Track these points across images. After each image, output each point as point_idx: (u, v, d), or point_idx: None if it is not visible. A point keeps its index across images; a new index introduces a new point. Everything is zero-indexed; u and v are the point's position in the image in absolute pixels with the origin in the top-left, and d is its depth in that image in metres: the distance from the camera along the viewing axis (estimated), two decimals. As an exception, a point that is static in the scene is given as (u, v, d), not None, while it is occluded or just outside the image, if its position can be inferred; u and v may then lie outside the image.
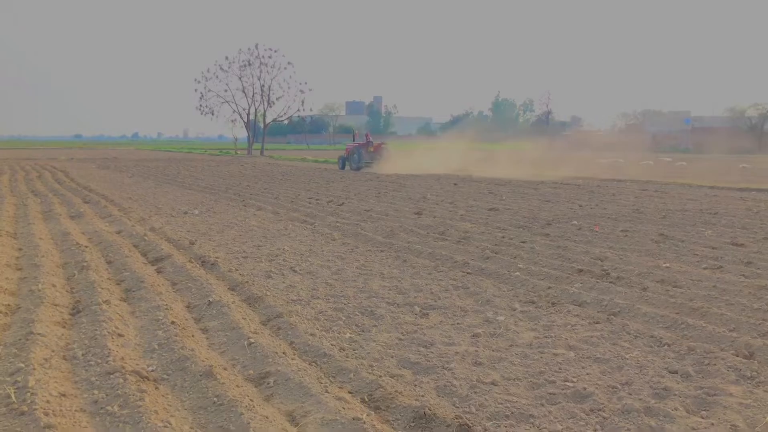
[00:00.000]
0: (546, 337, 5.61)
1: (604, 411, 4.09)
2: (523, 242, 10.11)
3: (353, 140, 35.60)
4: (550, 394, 4.37)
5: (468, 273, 8.04)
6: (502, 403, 4.18)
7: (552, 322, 6.04)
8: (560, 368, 4.86)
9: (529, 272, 7.94)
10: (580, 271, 7.96)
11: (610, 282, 7.42)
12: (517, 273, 7.86)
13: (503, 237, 10.65)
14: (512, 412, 4.06)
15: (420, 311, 6.39)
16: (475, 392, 4.38)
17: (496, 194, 18.88)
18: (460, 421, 3.78)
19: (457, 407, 4.14)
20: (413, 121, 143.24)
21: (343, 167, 34.41)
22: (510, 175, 26.92)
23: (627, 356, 5.09)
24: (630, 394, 4.35)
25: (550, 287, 7.19)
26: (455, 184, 22.91)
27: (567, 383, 4.54)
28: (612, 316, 6.13)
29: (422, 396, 4.30)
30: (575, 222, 12.60)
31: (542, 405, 4.20)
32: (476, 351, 5.22)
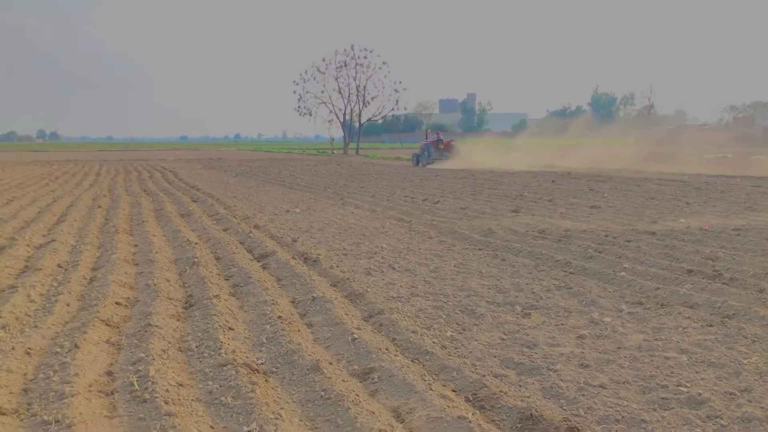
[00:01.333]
0: (656, 339, 5.39)
1: (721, 419, 3.89)
2: (628, 241, 9.75)
3: (426, 138, 38.37)
4: (663, 398, 4.20)
5: (570, 272, 7.85)
6: (611, 407, 4.06)
7: (662, 324, 5.79)
8: (672, 372, 4.66)
9: (636, 272, 7.66)
10: (690, 271, 7.59)
11: (723, 283, 7.04)
12: (623, 273, 7.60)
13: (606, 236, 10.32)
14: (623, 417, 3.93)
15: (521, 311, 6.29)
16: (583, 395, 4.27)
17: (597, 191, 18.30)
18: (569, 423, 3.69)
19: (565, 410, 4.06)
20: (508, 118, 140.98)
21: (417, 164, 36.66)
22: (609, 167, 26.18)
23: (745, 361, 4.81)
24: (750, 402, 4.12)
25: (658, 288, 6.90)
26: (553, 181, 22.40)
27: (680, 388, 4.34)
28: (726, 319, 5.80)
29: (528, 397, 4.24)
30: (683, 220, 12.04)
31: (654, 410, 4.04)
32: (582, 353, 5.09)
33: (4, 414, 3.81)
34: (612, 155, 32.25)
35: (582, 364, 4.84)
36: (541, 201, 15.97)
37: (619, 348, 5.20)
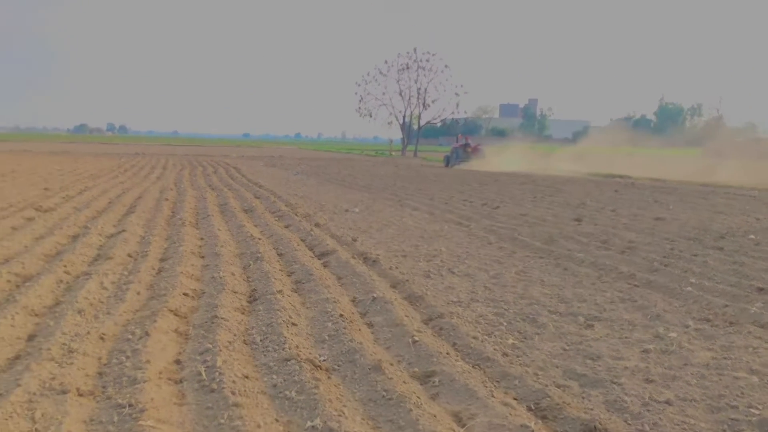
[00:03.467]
0: (724, 358, 5.23)
1: (796, 444, 3.75)
2: (695, 255, 9.48)
3: (456, 142, 44.32)
4: (732, 419, 4.08)
5: (635, 285, 7.68)
6: (678, 424, 3.97)
7: (731, 342, 5.61)
8: (742, 393, 4.52)
9: (703, 288, 7.43)
10: (761, 289, 7.32)
11: (799, 304, 6.77)
12: (689, 288, 7.39)
13: (672, 249, 10.05)
14: (691, 436, 3.84)
15: (584, 322, 6.20)
16: (648, 410, 4.18)
17: (662, 203, 17.83)
18: (634, 439, 3.63)
19: (629, 424, 3.98)
20: (570, 124, 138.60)
21: (447, 165, 41.31)
22: (670, 177, 25.53)
23: (821, 387, 4.63)
24: (827, 430, 3.96)
25: (726, 305, 6.68)
26: (616, 191, 21.94)
27: (751, 410, 4.20)
28: (802, 342, 5.59)
29: (591, 409, 4.17)
30: (752, 236, 11.60)
31: (724, 430, 3.93)
32: (647, 367, 4.98)
33: (82, 395, 3.99)
34: (664, 165, 33.05)
35: (647, 379, 4.74)
36: (604, 210, 15.66)
37: (685, 364, 5.07)
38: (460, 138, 44.33)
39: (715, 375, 4.86)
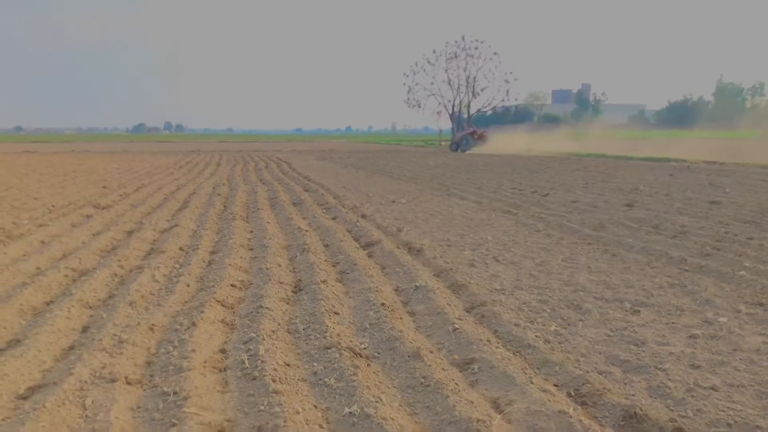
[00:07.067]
0: (777, 343, 5.07)
1: None
2: (750, 239, 9.17)
3: (463, 130, 51.81)
4: (782, 406, 3.96)
5: (685, 270, 7.49)
6: (723, 410, 3.87)
7: (785, 327, 5.43)
8: (794, 379, 4.38)
9: (757, 272, 7.20)
10: (822, 273, 7.05)
11: None
12: (743, 272, 7.16)
13: (726, 233, 9.74)
14: (735, 421, 3.74)
15: (630, 308, 6.09)
16: (692, 396, 4.10)
17: (719, 186, 17.27)
18: (675, 424, 3.57)
19: (672, 410, 3.91)
20: (625, 109, 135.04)
21: (455, 150, 47.65)
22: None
23: None
24: None
25: (783, 289, 6.47)
26: (671, 175, 21.35)
27: (803, 396, 4.07)
28: None
29: (633, 395, 4.11)
30: (817, 218, 11.15)
31: (771, 417, 3.82)
32: (693, 353, 4.87)
33: (130, 384, 4.15)
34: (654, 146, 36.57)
35: (693, 365, 4.63)
36: (657, 195, 15.27)
37: (734, 350, 4.93)
38: (466, 126, 52.35)
39: (765, 360, 4.72)
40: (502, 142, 46.63)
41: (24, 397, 4.03)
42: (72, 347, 4.94)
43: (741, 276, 6.99)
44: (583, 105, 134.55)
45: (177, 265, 7.73)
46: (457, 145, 48.50)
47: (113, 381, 4.11)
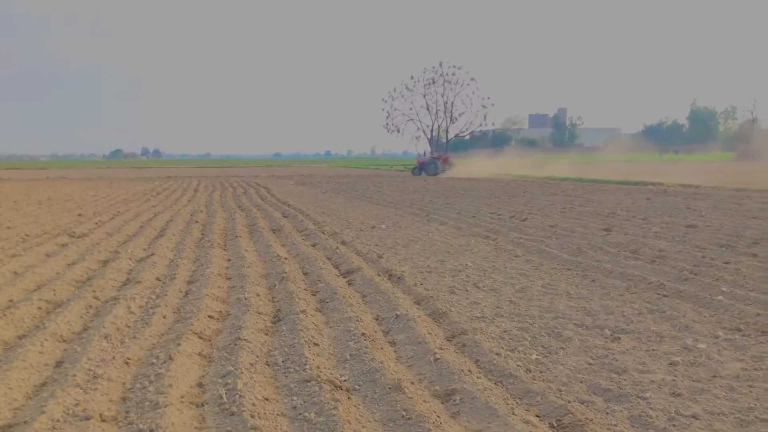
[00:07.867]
0: (755, 369, 5.10)
1: (829, 459, 3.63)
2: (726, 263, 9.27)
3: (423, 156, 55.43)
4: (763, 434, 3.96)
5: (664, 295, 7.54)
6: (705, 440, 3.86)
7: (762, 353, 5.47)
8: (774, 406, 4.39)
9: (734, 296, 7.26)
10: (798, 297, 7.12)
11: (835, 311, 6.57)
12: (720, 297, 7.22)
13: (703, 257, 9.84)
14: (717, 451, 3.73)
15: (611, 335, 6.09)
16: (674, 425, 4.09)
17: (695, 209, 17.50)
18: (658, 456, 3.55)
19: (654, 440, 3.90)
20: (600, 132, 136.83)
21: (418, 174, 49.32)
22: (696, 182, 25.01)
23: None
24: None
25: (759, 314, 6.51)
26: (648, 199, 21.61)
27: (783, 423, 4.08)
28: (838, 351, 5.41)
29: (615, 425, 4.09)
30: (790, 241, 11.31)
31: (753, 446, 3.82)
32: (674, 380, 4.88)
33: (104, 421, 4.05)
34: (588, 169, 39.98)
35: (674, 393, 4.63)
36: (635, 219, 15.43)
37: (714, 377, 4.95)
38: (430, 153, 58.58)
39: (745, 387, 4.73)
40: (464, 167, 50.19)
41: (-7, 438, 3.91)
42: (45, 383, 4.82)
43: (719, 301, 7.04)
44: (559, 129, 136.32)
45: (153, 296, 7.62)
46: (420, 170, 49.91)
47: (87, 419, 4.00)
